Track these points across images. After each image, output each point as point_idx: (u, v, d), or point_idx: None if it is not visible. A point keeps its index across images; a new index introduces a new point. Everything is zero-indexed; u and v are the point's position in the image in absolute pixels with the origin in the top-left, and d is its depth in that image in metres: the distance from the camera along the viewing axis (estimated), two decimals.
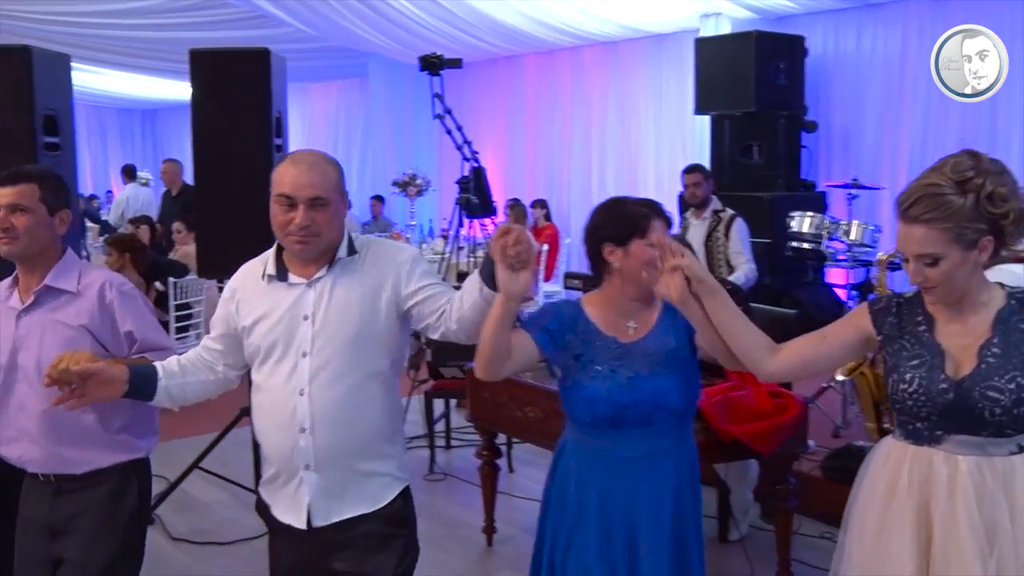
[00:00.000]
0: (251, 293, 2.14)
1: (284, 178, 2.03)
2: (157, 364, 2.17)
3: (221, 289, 7.16)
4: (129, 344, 2.33)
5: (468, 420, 4.25)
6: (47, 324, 2.29)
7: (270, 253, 2.15)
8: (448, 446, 5.36)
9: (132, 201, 11.22)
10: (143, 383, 2.12)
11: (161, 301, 6.29)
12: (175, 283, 6.43)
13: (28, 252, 2.30)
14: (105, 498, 2.32)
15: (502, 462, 4.30)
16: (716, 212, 5.48)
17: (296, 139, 14.52)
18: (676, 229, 5.58)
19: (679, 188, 5.97)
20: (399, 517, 2.14)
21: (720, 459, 3.41)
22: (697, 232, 5.47)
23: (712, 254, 5.42)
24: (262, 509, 2.24)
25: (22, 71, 4.17)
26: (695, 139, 8.58)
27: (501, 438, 4.28)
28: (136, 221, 8.26)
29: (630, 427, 2.17)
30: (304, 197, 2.01)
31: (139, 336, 2.33)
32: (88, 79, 12.96)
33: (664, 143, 9.20)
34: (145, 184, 11.79)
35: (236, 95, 4.20)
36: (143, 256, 6.37)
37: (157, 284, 6.37)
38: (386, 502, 2.12)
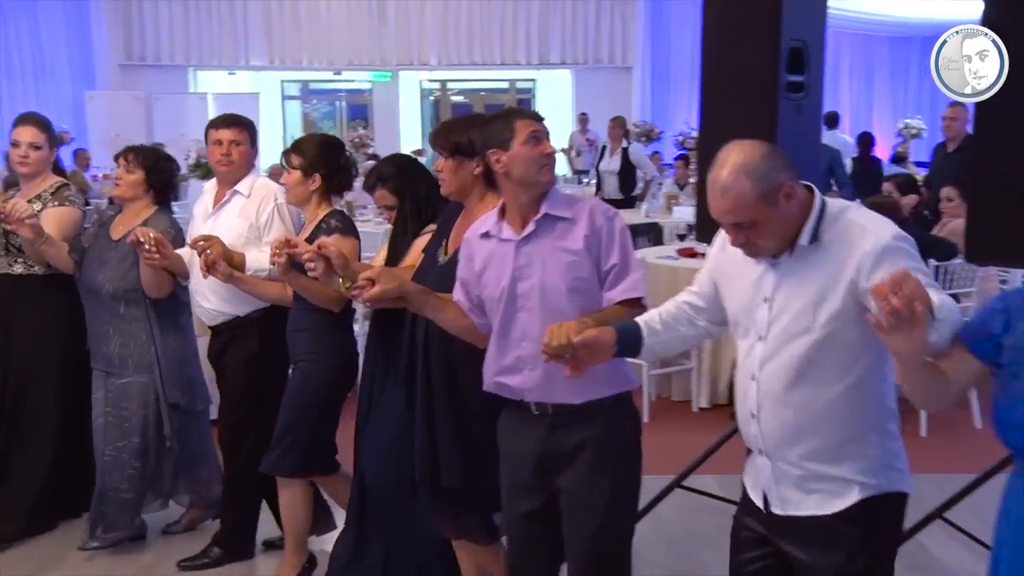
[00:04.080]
0: (730, 260, 2.26)
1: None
2: (640, 321, 2.35)
3: (1004, 282, 5.88)
4: (608, 270, 2.51)
5: None
6: (548, 251, 2.51)
7: None
8: None
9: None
10: (630, 343, 2.33)
11: None
12: (936, 267, 5.64)
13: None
14: (603, 431, 2.53)
15: None
16: None
17: None
18: None
19: None
20: (857, 519, 2.14)
21: None
22: None
23: None
24: None
25: None
26: None
27: None
28: (893, 180, 7.43)
29: None
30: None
31: (619, 261, 2.51)
32: (860, 3, 12.42)
33: None
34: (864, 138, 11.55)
35: None
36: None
37: None
38: (841, 508, 2.15)
